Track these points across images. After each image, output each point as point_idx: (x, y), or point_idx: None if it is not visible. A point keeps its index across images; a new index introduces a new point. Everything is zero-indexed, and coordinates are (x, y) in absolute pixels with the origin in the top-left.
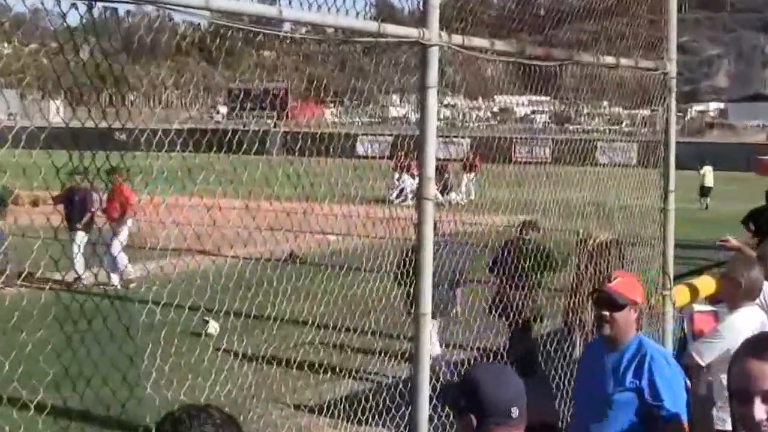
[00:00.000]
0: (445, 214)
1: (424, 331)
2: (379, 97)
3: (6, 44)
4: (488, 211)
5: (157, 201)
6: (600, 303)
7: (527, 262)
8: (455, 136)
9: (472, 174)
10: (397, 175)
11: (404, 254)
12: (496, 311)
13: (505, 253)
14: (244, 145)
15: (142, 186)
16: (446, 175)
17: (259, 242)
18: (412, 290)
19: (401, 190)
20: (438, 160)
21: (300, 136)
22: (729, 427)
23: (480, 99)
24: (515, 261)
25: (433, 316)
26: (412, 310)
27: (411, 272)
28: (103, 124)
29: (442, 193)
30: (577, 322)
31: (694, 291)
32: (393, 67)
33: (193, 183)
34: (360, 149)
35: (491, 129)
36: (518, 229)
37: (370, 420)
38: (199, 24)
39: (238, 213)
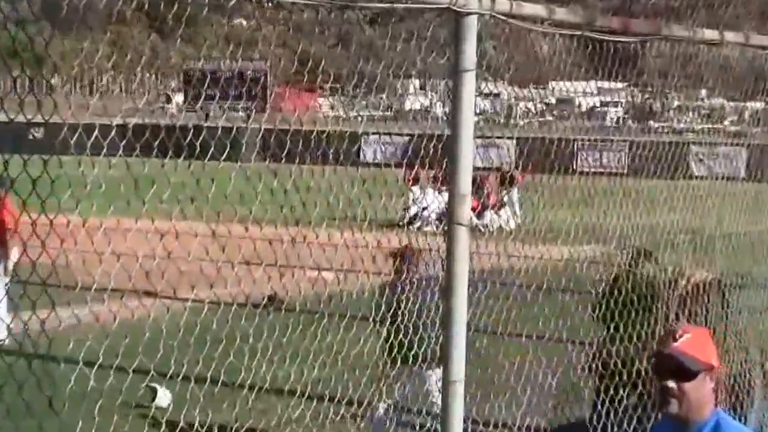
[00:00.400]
0: (484, 243)
1: (455, 404)
2: (396, 83)
3: None
4: (542, 239)
5: (93, 224)
6: (663, 370)
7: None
8: (498, 137)
9: (514, 189)
10: (416, 192)
11: (384, 293)
12: (600, 372)
13: (616, 294)
14: (212, 148)
15: (71, 204)
16: (485, 190)
17: (230, 282)
18: (393, 338)
19: (416, 211)
20: (475, 169)
21: (288, 137)
22: None
23: (531, 87)
24: (634, 304)
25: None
26: (394, 361)
27: (392, 316)
28: (21, 119)
29: (478, 214)
30: None
31: None
32: (415, 43)
33: (141, 200)
34: (367, 153)
35: (547, 127)
36: (630, 261)
37: None
38: None
39: (202, 241)
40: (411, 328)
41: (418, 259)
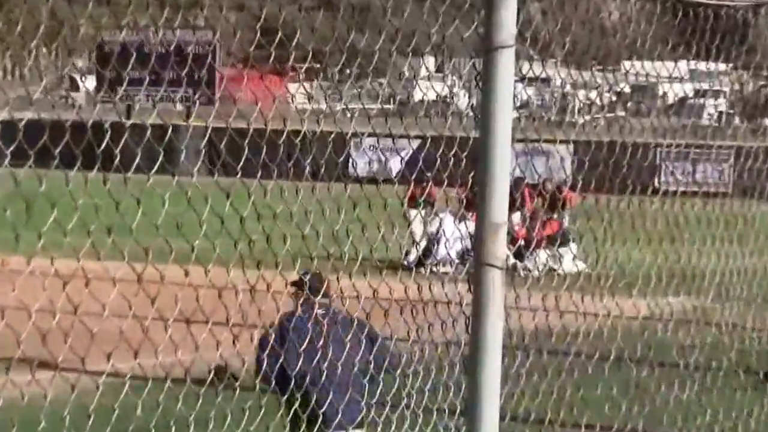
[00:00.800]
0: (525, 293)
1: None
2: (402, 63)
3: None
4: (610, 288)
5: None
6: None
7: None
8: (547, 140)
9: (565, 214)
10: (417, 218)
11: (277, 333)
12: None
13: None
14: (138, 156)
15: None
16: (527, 215)
17: (162, 347)
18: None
19: (429, 247)
20: (514, 186)
21: (246, 141)
22: None
23: (594, 68)
24: None
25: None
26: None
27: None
28: None
29: (517, 253)
30: None
31: None
32: (429, 6)
33: (36, 231)
34: (359, 164)
35: (618, 127)
36: None
37: None
38: None
39: (123, 290)
40: (309, 387)
41: (325, 289)
